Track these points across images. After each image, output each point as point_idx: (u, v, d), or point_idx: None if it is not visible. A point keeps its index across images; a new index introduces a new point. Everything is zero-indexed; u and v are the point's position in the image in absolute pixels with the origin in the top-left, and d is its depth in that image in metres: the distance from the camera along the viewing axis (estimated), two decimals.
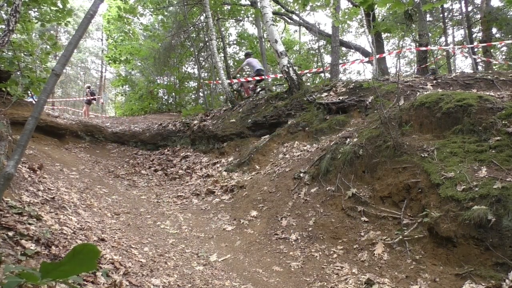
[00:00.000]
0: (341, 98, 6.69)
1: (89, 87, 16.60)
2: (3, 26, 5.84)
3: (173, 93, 17.51)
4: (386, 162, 4.22)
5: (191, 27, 14.98)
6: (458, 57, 16.26)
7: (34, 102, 7.63)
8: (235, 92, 11.40)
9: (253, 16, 16.64)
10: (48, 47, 6.58)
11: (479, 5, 14.26)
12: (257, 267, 3.63)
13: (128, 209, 5.02)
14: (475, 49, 13.08)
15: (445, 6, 14.46)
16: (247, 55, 11.17)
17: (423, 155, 3.95)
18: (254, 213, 4.80)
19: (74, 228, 3.28)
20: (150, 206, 5.40)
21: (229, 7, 16.55)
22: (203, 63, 17.06)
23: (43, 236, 2.56)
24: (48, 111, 9.91)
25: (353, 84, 6.99)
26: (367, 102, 6.23)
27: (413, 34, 14.92)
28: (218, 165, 7.05)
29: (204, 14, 12.47)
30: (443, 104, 4.37)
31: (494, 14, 12.68)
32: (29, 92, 6.58)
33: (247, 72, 11.38)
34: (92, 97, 16.20)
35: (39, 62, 6.29)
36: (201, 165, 7.31)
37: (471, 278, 2.83)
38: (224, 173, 6.49)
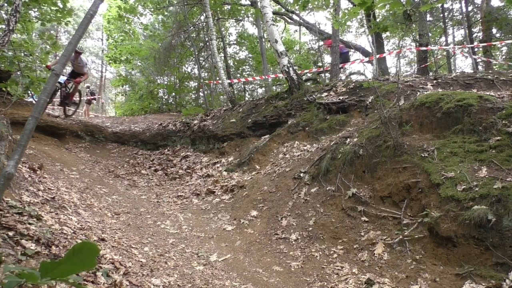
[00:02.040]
0: (341, 98, 6.68)
1: (88, 87, 16.59)
2: (3, 26, 5.84)
3: (173, 93, 17.51)
4: (386, 162, 4.22)
5: (191, 27, 14.98)
6: (458, 57, 16.26)
7: (34, 102, 7.63)
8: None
9: (253, 16, 16.64)
10: (48, 46, 6.58)
11: (479, 5, 14.25)
12: (257, 267, 3.63)
13: (128, 209, 5.02)
14: (475, 49, 13.07)
15: (445, 6, 14.46)
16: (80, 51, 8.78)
17: (423, 155, 3.95)
18: (254, 213, 4.80)
19: (74, 228, 3.28)
20: (150, 206, 5.40)
21: (229, 7, 16.54)
22: (203, 63, 17.06)
23: (43, 236, 2.56)
24: (48, 111, 9.91)
25: (353, 84, 6.99)
26: (367, 102, 6.23)
27: (413, 34, 14.91)
28: (218, 165, 7.05)
29: (204, 14, 12.47)
30: (443, 104, 4.37)
31: (494, 14, 12.67)
32: (29, 92, 6.58)
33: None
34: (92, 97, 16.20)
35: (39, 62, 6.29)
36: (201, 165, 7.31)
37: (471, 278, 2.83)
38: (224, 173, 6.49)
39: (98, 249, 1.10)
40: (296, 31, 24.46)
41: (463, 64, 21.70)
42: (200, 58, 15.93)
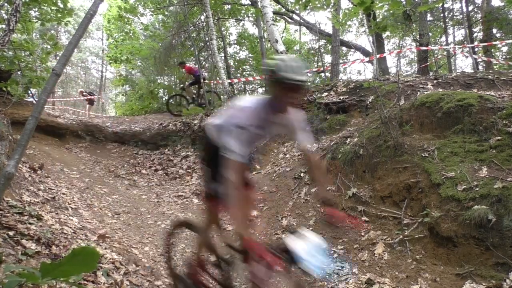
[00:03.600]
0: (341, 97, 6.68)
1: (82, 92, 16.55)
2: (4, 26, 5.84)
3: (174, 93, 17.51)
4: (386, 162, 4.22)
5: (192, 27, 14.97)
6: (459, 57, 16.25)
7: (34, 101, 7.63)
8: None
9: (253, 16, 16.63)
10: (48, 46, 6.58)
11: (479, 5, 14.24)
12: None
13: (129, 208, 5.02)
14: (476, 49, 13.05)
15: (446, 5, 14.44)
16: None
17: (423, 155, 3.95)
18: (254, 212, 4.79)
19: (74, 227, 3.28)
20: (150, 205, 5.40)
21: (229, 7, 16.53)
22: (204, 63, 17.05)
23: (43, 236, 2.56)
24: (48, 111, 9.92)
25: (353, 83, 6.99)
26: (368, 102, 6.23)
27: (413, 33, 14.89)
28: None
29: (204, 14, 12.48)
30: (443, 104, 4.36)
31: (494, 13, 12.65)
32: (29, 91, 6.58)
33: None
34: (91, 97, 16.23)
35: (39, 61, 6.29)
36: None
37: (471, 278, 2.83)
38: None
39: (98, 254, 1.10)
40: (296, 31, 24.44)
41: (464, 64, 21.66)
42: (201, 58, 15.92)
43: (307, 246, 1.81)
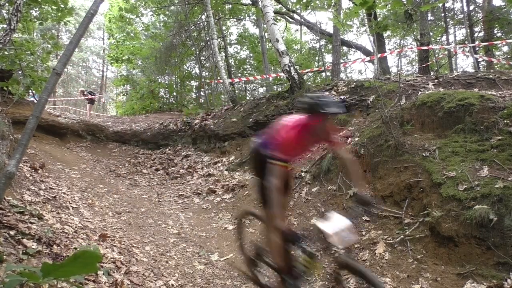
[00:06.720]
0: (342, 97, 6.67)
1: (83, 92, 16.58)
2: (5, 25, 5.84)
3: (174, 92, 17.52)
4: (387, 162, 4.22)
5: (192, 26, 14.99)
6: (460, 56, 16.22)
7: (35, 101, 7.62)
8: None
9: (254, 15, 16.63)
10: (49, 46, 6.59)
11: (480, 4, 14.21)
12: None
13: (130, 208, 5.02)
14: (477, 48, 13.02)
15: (447, 5, 14.41)
16: None
17: (424, 155, 3.94)
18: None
19: (75, 227, 3.28)
20: (151, 205, 5.40)
21: (230, 6, 16.53)
22: (204, 62, 17.05)
23: (44, 235, 2.57)
24: (49, 110, 9.93)
25: (354, 83, 6.98)
26: (369, 101, 6.22)
27: (414, 33, 14.87)
28: (220, 164, 7.05)
29: (205, 14, 12.48)
30: (444, 104, 4.36)
31: (495, 13, 12.62)
32: (30, 91, 6.59)
33: None
34: (91, 97, 16.26)
35: (40, 61, 6.30)
36: (202, 164, 7.31)
37: (472, 278, 2.82)
38: (226, 172, 6.49)
39: (100, 256, 1.10)
40: (297, 30, 24.42)
41: (465, 63, 21.61)
42: (201, 58, 15.93)
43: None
